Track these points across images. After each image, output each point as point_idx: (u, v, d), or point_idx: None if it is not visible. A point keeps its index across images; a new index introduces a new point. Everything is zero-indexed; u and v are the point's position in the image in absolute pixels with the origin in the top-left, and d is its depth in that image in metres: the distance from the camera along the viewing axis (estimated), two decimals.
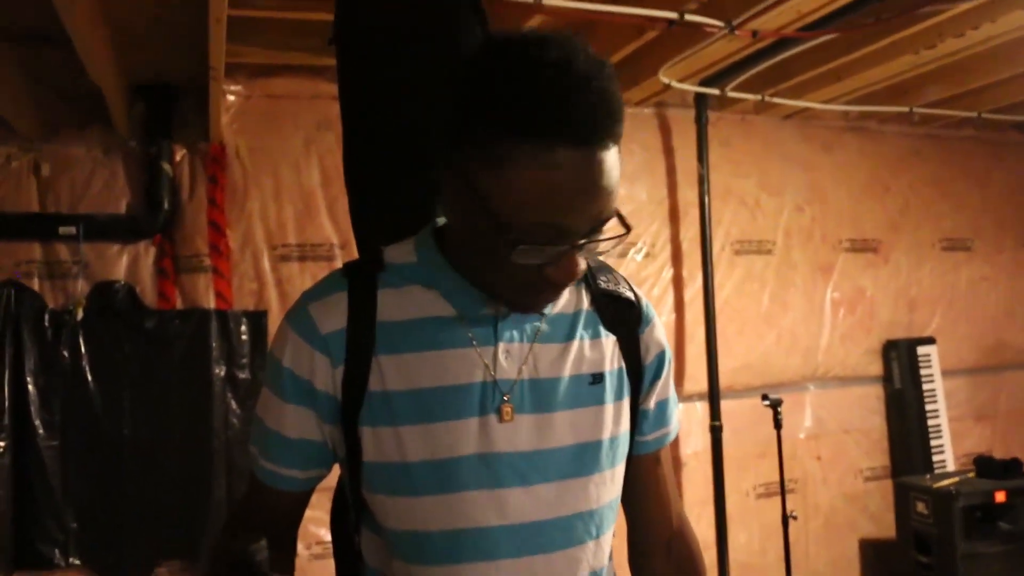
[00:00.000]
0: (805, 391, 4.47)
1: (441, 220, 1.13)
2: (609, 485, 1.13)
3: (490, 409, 1.05)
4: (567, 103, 0.87)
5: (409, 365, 1.04)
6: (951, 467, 4.56)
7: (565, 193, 0.89)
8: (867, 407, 4.63)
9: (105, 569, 3.29)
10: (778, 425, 3.38)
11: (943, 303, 4.83)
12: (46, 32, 2.71)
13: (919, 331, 4.74)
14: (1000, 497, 3.96)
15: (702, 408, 4.12)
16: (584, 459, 1.10)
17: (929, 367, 4.61)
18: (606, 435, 1.12)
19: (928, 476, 4.27)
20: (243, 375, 3.47)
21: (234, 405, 3.45)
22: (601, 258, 1.16)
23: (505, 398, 1.06)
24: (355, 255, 1.34)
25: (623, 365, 1.16)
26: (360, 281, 1.07)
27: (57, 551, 3.23)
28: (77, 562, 3.25)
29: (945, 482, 4.04)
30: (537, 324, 1.10)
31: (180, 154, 3.47)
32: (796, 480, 4.33)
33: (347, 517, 1.19)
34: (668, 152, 4.23)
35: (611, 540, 1.17)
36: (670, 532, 1.28)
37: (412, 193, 1.25)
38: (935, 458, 4.54)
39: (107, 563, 3.29)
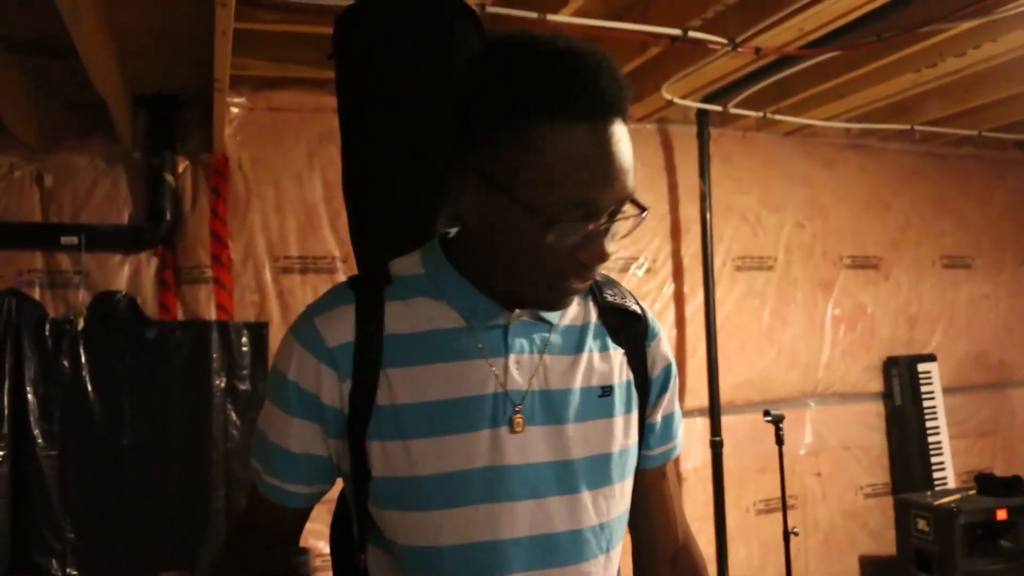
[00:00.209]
0: (805, 407, 4.46)
1: (448, 230, 1.13)
2: (619, 499, 1.13)
3: (501, 420, 1.04)
4: (584, 80, 0.91)
5: (419, 377, 1.03)
6: (952, 484, 4.54)
7: (591, 166, 0.92)
8: (867, 424, 4.62)
9: None
10: (780, 441, 3.37)
11: (943, 320, 4.83)
12: (51, 42, 2.72)
13: (919, 348, 4.73)
14: (1001, 515, 3.95)
15: (702, 423, 4.11)
16: (595, 472, 1.09)
17: (930, 384, 4.60)
18: (616, 448, 1.12)
19: (929, 493, 4.25)
20: (243, 386, 3.47)
21: (234, 416, 3.45)
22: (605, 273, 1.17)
23: (516, 409, 1.05)
24: (357, 269, 1.34)
25: (631, 378, 1.16)
26: (367, 294, 1.06)
27: (54, 561, 3.21)
28: (74, 572, 3.23)
29: (946, 499, 4.03)
30: (546, 335, 1.10)
31: (183, 165, 3.48)
32: (796, 496, 4.32)
33: (349, 533, 1.17)
34: (670, 168, 4.24)
35: (620, 555, 1.16)
36: (675, 547, 1.27)
37: (412, 202, 1.25)
38: (936, 475, 4.53)
39: (104, 574, 3.28)
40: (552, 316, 1.10)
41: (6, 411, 3.18)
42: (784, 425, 3.39)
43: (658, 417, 1.22)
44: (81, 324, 3.27)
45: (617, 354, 1.15)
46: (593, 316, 1.15)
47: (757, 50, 3.08)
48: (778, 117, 4.05)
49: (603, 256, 0.97)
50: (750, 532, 4.22)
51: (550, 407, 1.07)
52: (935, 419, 4.59)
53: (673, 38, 2.96)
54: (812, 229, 4.54)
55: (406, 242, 1.15)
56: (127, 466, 3.30)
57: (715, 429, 4.07)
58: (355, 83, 1.33)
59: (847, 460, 4.54)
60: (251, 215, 3.54)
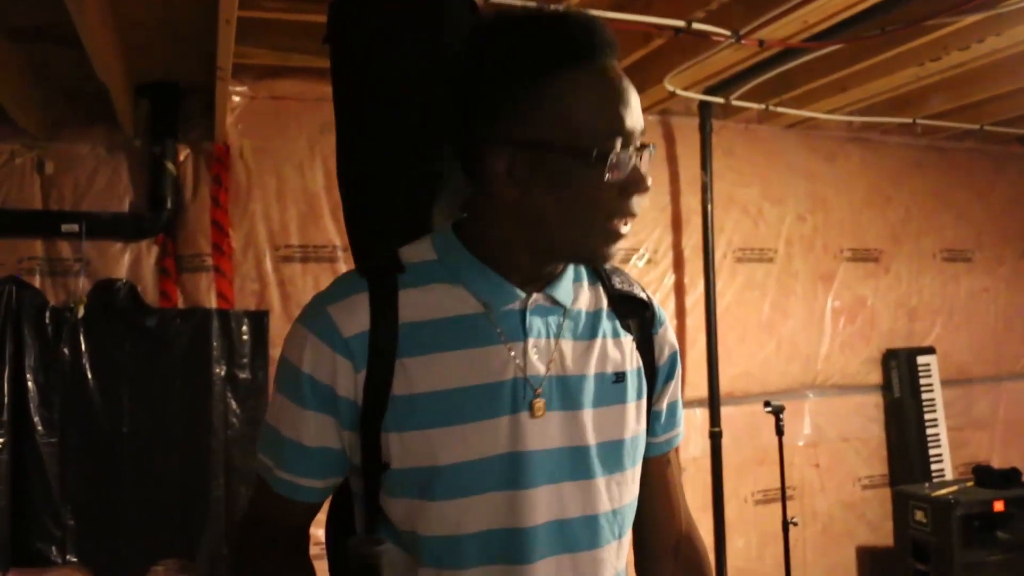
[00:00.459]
0: (804, 399, 4.47)
1: (439, 219, 1.15)
2: (630, 485, 1.14)
3: (522, 406, 1.04)
4: (581, 28, 1.00)
5: (438, 365, 1.02)
6: (949, 476, 4.56)
7: (613, 99, 1.00)
8: (866, 415, 4.63)
9: (102, 567, 3.28)
10: (780, 432, 3.38)
11: (943, 313, 4.84)
12: (54, 30, 2.70)
13: (919, 341, 4.74)
14: (998, 506, 3.96)
15: (702, 414, 4.12)
16: (608, 458, 1.10)
17: (929, 376, 4.61)
18: (628, 434, 1.12)
19: (927, 485, 4.27)
20: (244, 375, 3.46)
21: (234, 405, 3.44)
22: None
23: (537, 393, 1.05)
24: (353, 258, 1.33)
25: (641, 365, 1.17)
26: (380, 282, 1.05)
27: (54, 548, 3.21)
28: (74, 559, 3.24)
29: (944, 491, 4.05)
30: (560, 319, 1.10)
31: (184, 154, 3.47)
32: (794, 487, 4.33)
33: (347, 526, 1.17)
34: (672, 160, 4.24)
35: (629, 542, 1.17)
36: (678, 535, 1.28)
37: (409, 190, 1.24)
38: (934, 467, 4.54)
39: (104, 561, 3.28)
40: (565, 300, 1.10)
41: (6, 399, 3.18)
42: (783, 416, 3.39)
43: (663, 404, 1.23)
44: (81, 312, 3.27)
45: (628, 341, 1.16)
46: (604, 303, 1.16)
47: (761, 42, 3.07)
48: (780, 110, 4.04)
49: (646, 184, 1.02)
50: (749, 522, 4.23)
51: (566, 392, 1.07)
52: (934, 411, 4.60)
53: (677, 30, 2.95)
54: (813, 222, 4.54)
55: (399, 234, 1.14)
56: (127, 454, 3.30)
57: (714, 420, 4.08)
58: (350, 72, 1.33)
59: (846, 451, 4.55)
60: (252, 204, 3.53)
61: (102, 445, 3.28)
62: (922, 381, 4.59)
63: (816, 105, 4.05)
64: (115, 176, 3.40)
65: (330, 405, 1.04)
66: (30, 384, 3.22)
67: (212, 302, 3.45)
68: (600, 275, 1.18)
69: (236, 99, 3.50)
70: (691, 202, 4.21)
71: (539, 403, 1.04)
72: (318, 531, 1.20)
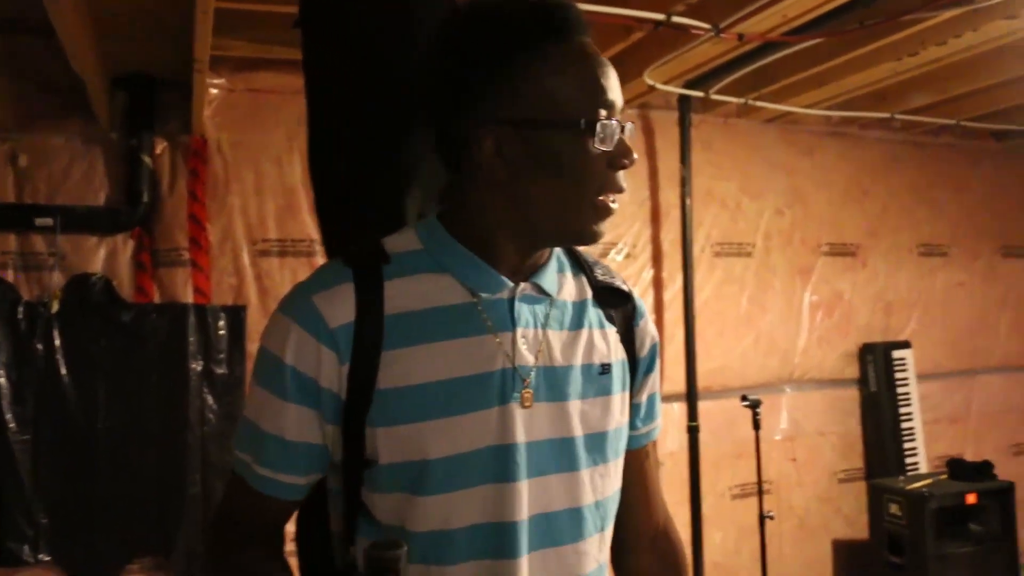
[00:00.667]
0: (782, 393, 4.50)
1: (411, 210, 1.14)
2: (613, 477, 1.13)
3: (510, 397, 1.03)
4: (561, 7, 1.02)
5: (425, 356, 1.01)
6: (924, 469, 4.60)
7: (594, 71, 1.01)
8: (843, 409, 4.66)
9: (76, 566, 3.24)
10: (757, 426, 3.40)
11: (919, 308, 4.88)
12: (27, 20, 2.67)
13: (895, 335, 4.78)
14: (971, 499, 4.02)
15: (679, 409, 4.13)
16: (594, 449, 1.09)
17: (904, 371, 4.65)
18: (612, 426, 1.12)
19: (901, 478, 4.31)
20: (220, 370, 3.43)
21: (211, 400, 3.41)
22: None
23: (525, 383, 1.04)
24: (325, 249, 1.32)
25: (624, 357, 1.16)
26: (365, 272, 1.03)
27: (26, 547, 3.17)
28: (47, 558, 3.20)
29: (918, 484, 4.09)
30: (546, 309, 1.09)
31: (161, 147, 3.43)
32: (771, 481, 4.35)
33: (319, 524, 1.14)
34: (651, 154, 4.24)
35: (611, 534, 1.16)
36: (655, 528, 1.28)
37: (381, 179, 1.23)
38: (908, 460, 4.58)
39: (78, 560, 3.24)
40: (551, 289, 1.09)
41: None
42: (760, 410, 3.41)
43: (643, 397, 1.22)
44: (56, 307, 3.22)
45: (612, 332, 1.15)
46: (589, 293, 1.16)
47: (740, 36, 3.07)
48: (759, 104, 4.05)
49: (633, 156, 1.03)
50: (725, 516, 4.25)
51: (554, 383, 1.07)
52: (909, 405, 4.64)
53: (656, 23, 2.95)
54: (791, 216, 4.56)
55: (372, 225, 1.13)
56: (102, 450, 3.26)
57: (692, 414, 4.09)
58: (321, 57, 1.32)
59: (822, 446, 4.59)
60: (230, 197, 3.50)
61: (76, 442, 3.24)
62: (897, 375, 4.63)
63: (795, 99, 4.07)
64: (91, 169, 3.36)
65: (313, 398, 1.01)
66: (2, 380, 3.17)
67: (189, 297, 3.41)
68: (583, 266, 1.18)
69: (214, 92, 3.47)
70: (670, 196, 4.22)
71: (527, 394, 1.04)
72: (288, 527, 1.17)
